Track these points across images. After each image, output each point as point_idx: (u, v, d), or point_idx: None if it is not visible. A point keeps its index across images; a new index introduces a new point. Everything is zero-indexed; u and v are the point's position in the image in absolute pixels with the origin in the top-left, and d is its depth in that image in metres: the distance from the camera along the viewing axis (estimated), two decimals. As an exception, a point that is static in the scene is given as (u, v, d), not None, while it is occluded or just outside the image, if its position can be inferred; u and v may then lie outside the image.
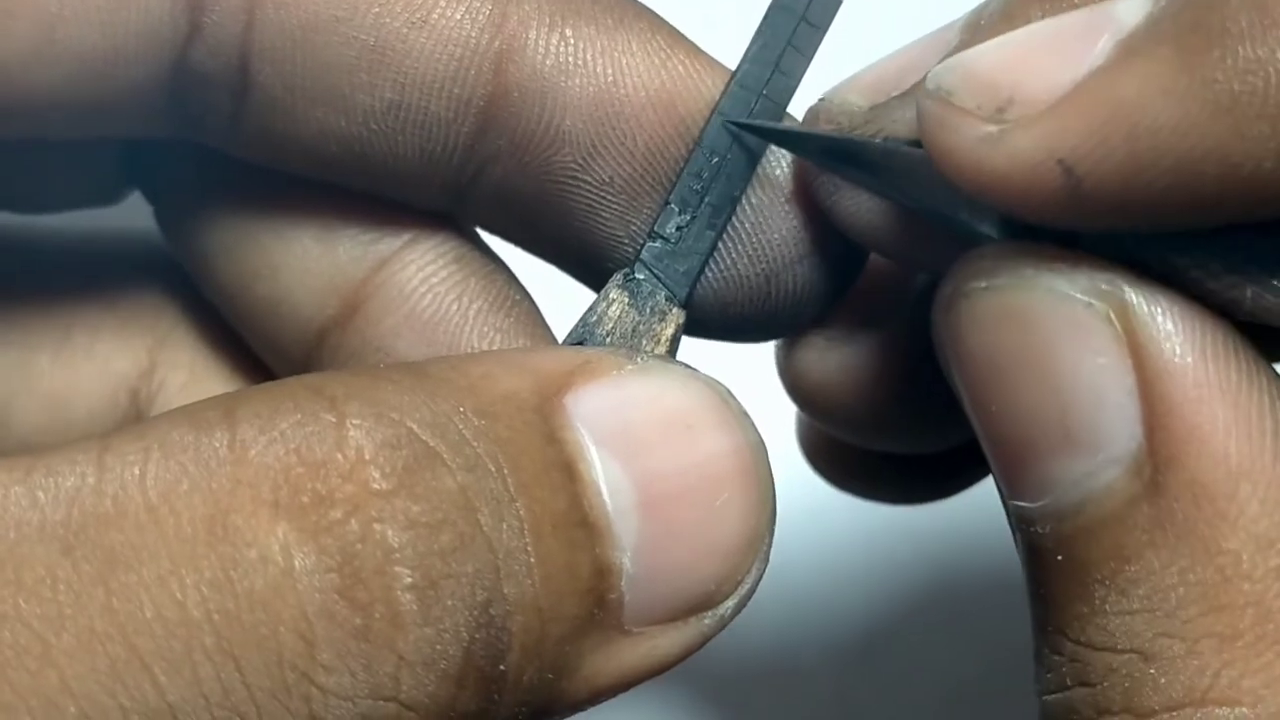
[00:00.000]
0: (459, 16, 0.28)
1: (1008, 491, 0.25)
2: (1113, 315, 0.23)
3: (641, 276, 0.28)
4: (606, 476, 0.23)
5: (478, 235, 0.32)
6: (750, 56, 0.28)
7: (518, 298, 0.31)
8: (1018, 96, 0.23)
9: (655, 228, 0.28)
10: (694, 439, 0.24)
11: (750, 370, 0.33)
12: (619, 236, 0.29)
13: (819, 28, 0.28)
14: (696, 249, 0.28)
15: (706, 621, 0.25)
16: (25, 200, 0.33)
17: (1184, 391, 0.23)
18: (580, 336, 0.28)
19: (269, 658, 0.21)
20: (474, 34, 0.28)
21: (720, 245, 0.29)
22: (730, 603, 0.25)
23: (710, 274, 0.29)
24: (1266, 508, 0.22)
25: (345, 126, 0.28)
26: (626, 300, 0.28)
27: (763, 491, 0.25)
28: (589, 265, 0.30)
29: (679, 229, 0.28)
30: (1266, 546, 0.22)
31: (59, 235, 0.34)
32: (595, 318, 0.28)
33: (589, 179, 0.29)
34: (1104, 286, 0.23)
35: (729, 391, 0.25)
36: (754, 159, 0.28)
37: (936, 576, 0.48)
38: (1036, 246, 0.24)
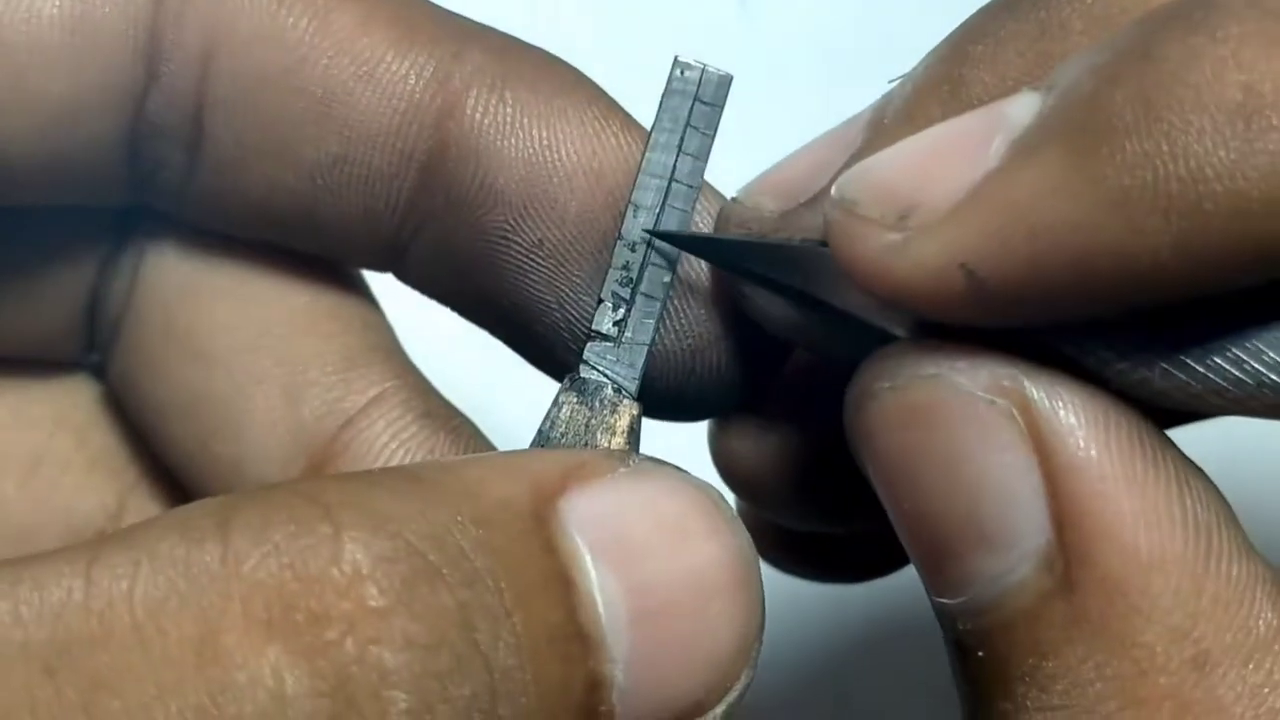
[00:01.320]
0: (404, 72, 0.29)
1: (930, 588, 0.25)
2: (1015, 412, 0.23)
3: (587, 375, 0.28)
4: (601, 586, 0.23)
5: (435, 390, 0.32)
6: (653, 144, 0.28)
7: (477, 439, 0.31)
8: (919, 203, 0.23)
9: (593, 326, 0.28)
10: (687, 547, 0.24)
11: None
12: (547, 300, 0.29)
13: (715, 106, 0.28)
14: (638, 339, 0.28)
15: None
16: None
17: (1090, 485, 0.23)
18: (539, 445, 0.28)
19: None
20: (418, 90, 0.29)
21: None
22: (719, 710, 0.24)
23: None
24: (1179, 599, 0.22)
25: (293, 181, 0.29)
26: (575, 399, 0.28)
27: (753, 599, 0.25)
28: (520, 328, 0.30)
29: (616, 324, 0.28)
30: (1181, 638, 0.22)
31: (32, 365, 0.33)
32: (549, 424, 0.28)
33: (519, 240, 0.29)
34: (1005, 383, 0.23)
35: (720, 495, 0.25)
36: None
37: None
38: (939, 344, 0.24)
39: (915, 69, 0.27)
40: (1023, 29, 0.26)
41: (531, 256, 0.29)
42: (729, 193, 0.30)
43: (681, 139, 0.28)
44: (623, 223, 0.28)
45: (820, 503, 0.33)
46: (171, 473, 0.32)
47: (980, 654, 0.24)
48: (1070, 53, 0.25)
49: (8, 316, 0.32)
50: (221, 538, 0.21)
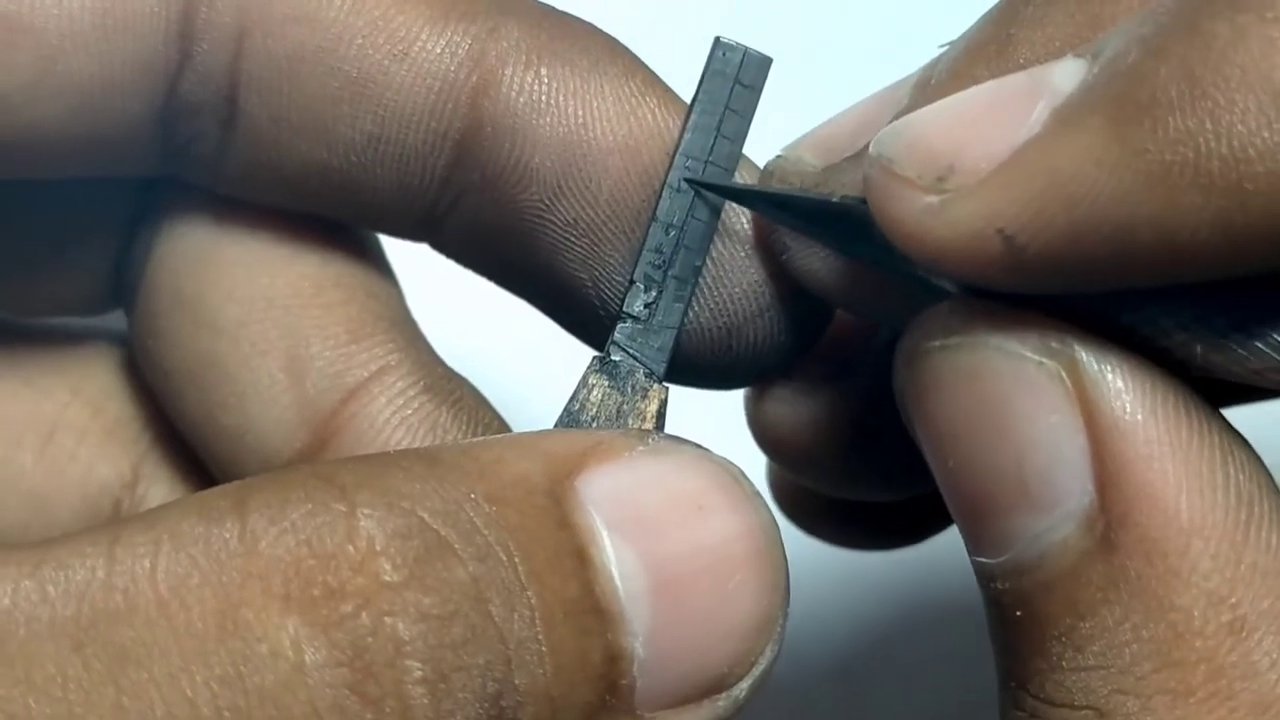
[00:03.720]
0: (439, 50, 0.28)
1: (970, 547, 0.25)
2: (1064, 373, 0.23)
3: (617, 358, 0.28)
4: (618, 561, 0.24)
5: (441, 361, 0.32)
6: (691, 125, 0.28)
7: (488, 420, 0.31)
8: (957, 165, 0.23)
9: (623, 308, 0.28)
10: (706, 521, 0.25)
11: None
12: (582, 278, 0.30)
13: (753, 89, 0.28)
14: (668, 323, 0.28)
15: (720, 704, 0.25)
16: (13, 302, 0.33)
17: (1135, 449, 0.23)
18: (567, 426, 0.28)
19: None
20: (453, 68, 0.28)
21: None
22: (745, 684, 0.25)
23: None
24: (1218, 564, 0.22)
25: (326, 159, 0.29)
26: (606, 383, 0.28)
27: (776, 573, 0.25)
28: (556, 301, 0.31)
29: (647, 306, 0.28)
30: (1218, 603, 0.22)
31: (49, 335, 0.34)
32: (578, 405, 0.28)
33: (554, 219, 0.29)
34: (1054, 345, 0.23)
35: (741, 471, 0.25)
36: (710, 227, 0.28)
37: (936, 586, 0.48)
38: (989, 305, 0.24)
39: (966, 31, 0.27)
40: None
41: (567, 235, 0.29)
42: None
43: (720, 121, 0.28)
44: (657, 204, 0.28)
45: (858, 467, 0.34)
46: (184, 440, 0.33)
47: (1018, 613, 0.24)
48: (1120, 15, 0.25)
49: (38, 277, 0.33)
50: (239, 517, 0.22)
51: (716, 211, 0.29)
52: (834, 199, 0.27)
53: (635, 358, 0.28)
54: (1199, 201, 0.21)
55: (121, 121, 0.28)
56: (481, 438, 0.30)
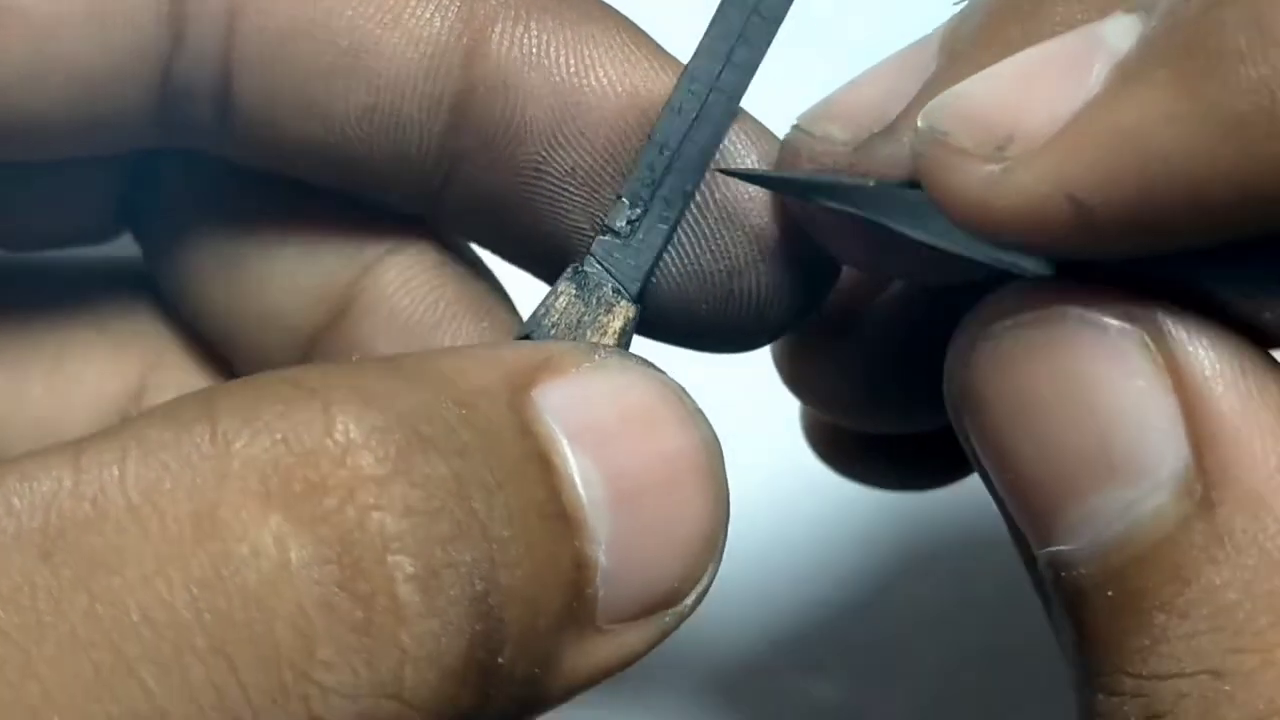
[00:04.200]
0: (429, 14, 0.28)
1: (1040, 540, 0.24)
2: (1148, 339, 0.23)
3: (590, 270, 0.28)
4: (580, 470, 0.23)
5: (460, 245, 0.32)
6: (702, 49, 0.28)
7: (494, 301, 0.32)
8: (1018, 132, 0.22)
9: (606, 221, 0.28)
10: (656, 435, 0.25)
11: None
12: (583, 229, 0.29)
13: (772, 21, 0.28)
14: (649, 243, 0.28)
15: (667, 619, 0.25)
16: (15, 238, 0.33)
17: (1229, 404, 0.22)
18: (528, 329, 0.28)
19: (265, 656, 0.20)
20: (443, 31, 0.28)
21: (684, 239, 0.29)
22: (689, 600, 0.25)
23: (672, 269, 0.29)
24: None
25: (323, 133, 0.29)
26: (573, 292, 0.28)
27: (720, 489, 0.25)
28: (558, 264, 0.30)
29: (630, 223, 0.28)
30: None
31: (51, 261, 0.34)
32: (543, 310, 0.28)
33: (552, 170, 0.29)
34: (1136, 311, 0.23)
35: (684, 389, 0.25)
36: (707, 155, 0.28)
37: (935, 574, 0.48)
38: (1058, 283, 0.24)
39: None
40: None
41: (565, 186, 0.29)
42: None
43: (731, 49, 0.28)
44: (658, 122, 0.28)
45: (890, 407, 0.34)
46: (201, 341, 0.33)
47: (1109, 593, 0.23)
48: None
49: (39, 207, 0.33)
50: (209, 421, 0.21)
51: (716, 139, 0.28)
52: (878, 185, 0.26)
53: (609, 272, 0.28)
54: (1276, 150, 0.20)
55: (116, 105, 0.28)
56: (438, 349, 0.30)
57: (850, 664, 0.47)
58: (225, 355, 0.33)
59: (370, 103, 0.28)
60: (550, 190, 0.29)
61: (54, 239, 0.34)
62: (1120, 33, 0.22)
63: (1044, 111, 0.22)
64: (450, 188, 0.30)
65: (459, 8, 0.28)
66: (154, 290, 0.34)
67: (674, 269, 0.29)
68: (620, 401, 0.24)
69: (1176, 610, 0.23)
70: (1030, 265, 0.24)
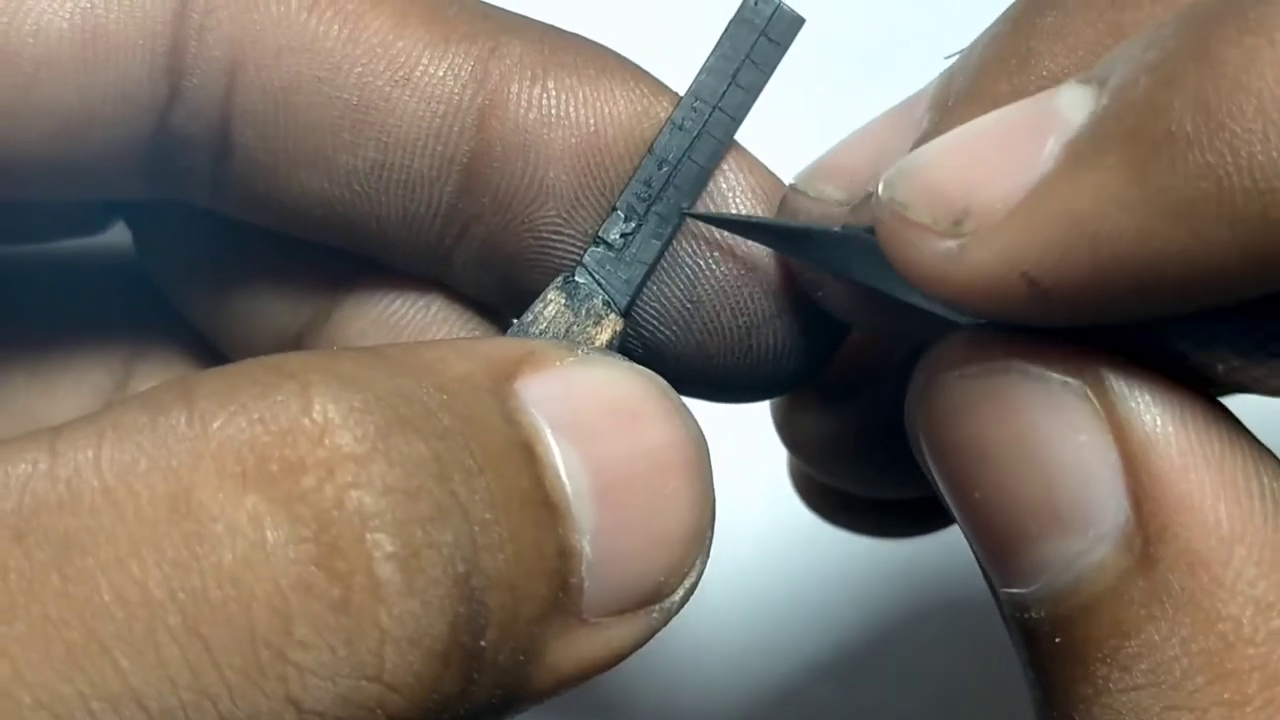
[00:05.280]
0: (442, 73, 0.28)
1: (998, 579, 0.24)
2: (1090, 393, 0.23)
3: (581, 280, 0.28)
4: (564, 460, 0.23)
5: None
6: (708, 68, 0.28)
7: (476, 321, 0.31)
8: (973, 206, 0.22)
9: (600, 233, 0.28)
10: (641, 428, 0.24)
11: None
12: None
13: (780, 44, 0.28)
14: (641, 258, 0.28)
15: (654, 615, 0.25)
16: (9, 232, 0.33)
17: (1169, 461, 0.22)
18: (514, 334, 0.28)
19: (240, 636, 0.20)
20: (457, 90, 0.28)
21: (702, 297, 0.28)
22: (677, 596, 0.25)
23: (692, 325, 0.29)
24: (1263, 570, 0.22)
25: (328, 188, 0.28)
26: (563, 301, 0.28)
27: (706, 484, 0.25)
28: None
29: (623, 236, 0.28)
30: (1266, 609, 0.22)
31: (36, 251, 0.34)
32: (531, 317, 0.28)
33: (572, 232, 0.29)
34: (1078, 366, 0.23)
35: (668, 385, 0.25)
36: (705, 173, 0.28)
37: (935, 581, 0.48)
38: (1006, 334, 0.24)
39: (976, 43, 0.27)
40: None
41: (585, 247, 0.28)
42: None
43: (737, 70, 0.28)
44: (658, 137, 0.28)
45: (878, 471, 0.34)
46: (189, 330, 0.33)
47: (1057, 640, 0.23)
48: (1143, 21, 0.24)
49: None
50: (186, 403, 0.21)
51: (715, 158, 0.28)
52: (844, 230, 0.26)
53: (600, 284, 0.28)
54: (1225, 235, 0.20)
55: (106, 151, 0.28)
56: (421, 341, 0.30)
57: (851, 664, 0.47)
58: (215, 345, 0.32)
59: (379, 159, 0.28)
60: (570, 252, 0.29)
61: (43, 233, 0.34)
62: (1073, 106, 0.22)
63: (999, 186, 0.22)
64: (462, 250, 0.29)
65: (473, 66, 0.28)
66: (140, 280, 0.34)
67: (694, 326, 0.29)
68: (604, 395, 0.24)
69: (1118, 663, 0.23)
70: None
